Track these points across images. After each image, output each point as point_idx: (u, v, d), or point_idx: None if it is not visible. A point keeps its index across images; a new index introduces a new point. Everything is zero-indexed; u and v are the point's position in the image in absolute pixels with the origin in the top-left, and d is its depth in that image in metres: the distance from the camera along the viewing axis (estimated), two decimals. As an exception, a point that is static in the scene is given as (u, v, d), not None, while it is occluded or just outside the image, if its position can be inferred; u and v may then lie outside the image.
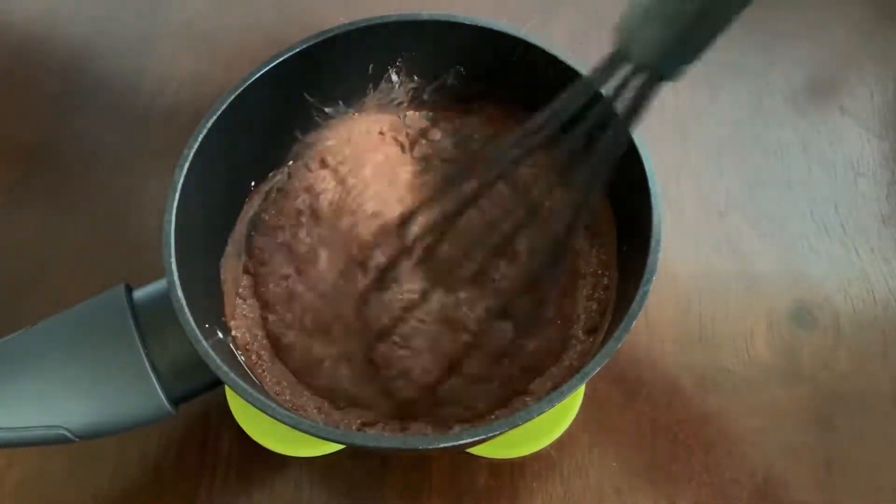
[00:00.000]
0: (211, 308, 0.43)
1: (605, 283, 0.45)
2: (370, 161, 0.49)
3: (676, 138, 0.55)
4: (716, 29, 0.31)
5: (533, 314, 0.44)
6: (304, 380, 0.44)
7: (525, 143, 0.37)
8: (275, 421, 0.36)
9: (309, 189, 0.48)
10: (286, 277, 0.46)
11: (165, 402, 0.39)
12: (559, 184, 0.42)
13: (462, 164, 0.44)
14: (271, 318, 0.45)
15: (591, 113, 0.35)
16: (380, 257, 0.45)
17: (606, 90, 0.34)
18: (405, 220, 0.45)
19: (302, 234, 0.47)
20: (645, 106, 0.34)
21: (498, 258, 0.45)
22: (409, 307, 0.44)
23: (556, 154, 0.37)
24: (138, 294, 0.41)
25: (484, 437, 0.36)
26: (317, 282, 0.46)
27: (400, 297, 0.45)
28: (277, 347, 0.45)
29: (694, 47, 0.32)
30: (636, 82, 0.33)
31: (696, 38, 0.32)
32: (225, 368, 0.37)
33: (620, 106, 0.35)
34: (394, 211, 0.47)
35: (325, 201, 0.48)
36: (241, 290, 0.46)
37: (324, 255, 0.46)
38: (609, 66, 0.34)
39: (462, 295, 0.44)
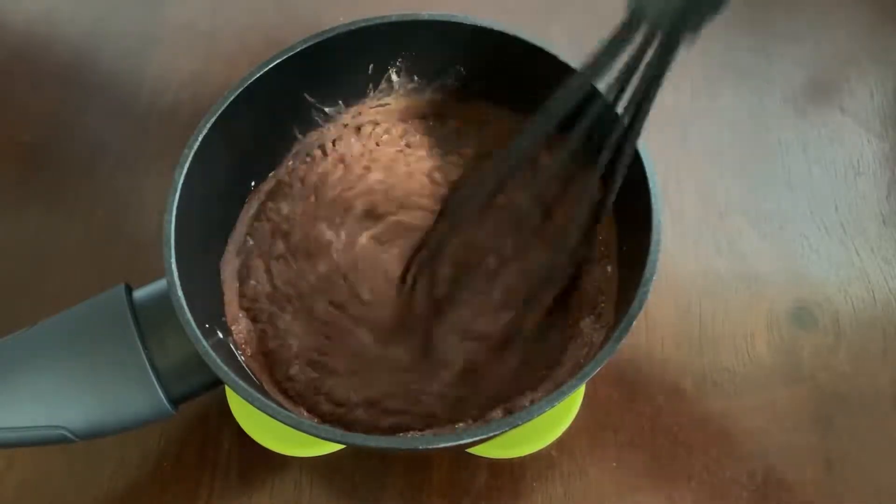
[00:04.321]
0: (211, 308, 0.43)
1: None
2: (370, 161, 0.49)
3: (676, 138, 0.55)
4: None
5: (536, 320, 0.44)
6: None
7: (529, 144, 0.37)
8: (275, 421, 0.36)
9: (310, 188, 0.48)
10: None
11: (165, 402, 0.39)
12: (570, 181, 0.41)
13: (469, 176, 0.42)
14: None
15: (592, 108, 0.34)
16: (385, 259, 0.46)
17: (617, 67, 0.32)
18: (426, 239, 0.43)
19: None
20: (661, 80, 0.32)
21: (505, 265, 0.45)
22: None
23: (563, 155, 0.37)
24: (138, 294, 0.41)
25: (484, 437, 0.36)
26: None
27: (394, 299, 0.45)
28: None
29: None
30: (651, 51, 0.31)
31: None
32: (225, 368, 0.37)
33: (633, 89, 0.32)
34: (395, 212, 0.47)
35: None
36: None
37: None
38: (624, 31, 0.31)
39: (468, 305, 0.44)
